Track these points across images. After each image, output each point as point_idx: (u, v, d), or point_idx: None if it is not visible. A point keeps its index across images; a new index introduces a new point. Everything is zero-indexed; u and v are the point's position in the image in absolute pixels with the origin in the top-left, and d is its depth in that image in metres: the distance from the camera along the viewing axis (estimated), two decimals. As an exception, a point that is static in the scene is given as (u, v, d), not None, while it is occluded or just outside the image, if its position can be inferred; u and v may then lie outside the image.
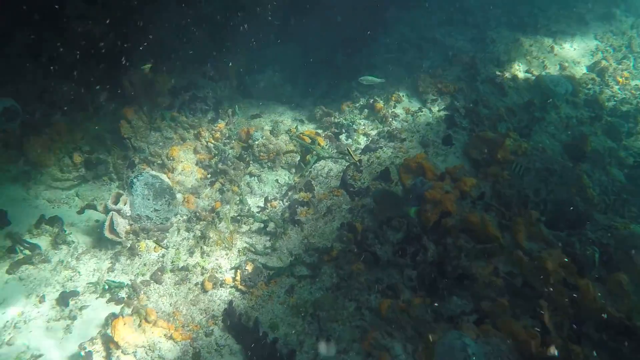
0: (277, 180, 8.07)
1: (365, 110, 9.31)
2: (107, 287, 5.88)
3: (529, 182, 7.04)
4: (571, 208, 7.05)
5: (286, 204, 7.25)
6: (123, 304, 5.75)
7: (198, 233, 6.60)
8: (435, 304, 5.85)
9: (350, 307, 5.93)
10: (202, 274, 6.10)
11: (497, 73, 9.33)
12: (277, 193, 7.74)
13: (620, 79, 10.28)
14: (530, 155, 7.25)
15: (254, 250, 6.36)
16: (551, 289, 6.11)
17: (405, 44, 10.39)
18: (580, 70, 10.53)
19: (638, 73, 10.82)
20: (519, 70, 9.68)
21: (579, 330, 6.10)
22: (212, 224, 6.65)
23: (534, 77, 9.61)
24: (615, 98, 9.97)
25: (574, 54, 10.82)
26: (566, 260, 6.14)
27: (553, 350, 5.58)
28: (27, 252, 6.42)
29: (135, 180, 6.56)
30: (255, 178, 8.11)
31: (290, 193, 7.48)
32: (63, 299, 5.81)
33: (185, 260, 6.31)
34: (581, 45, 11.05)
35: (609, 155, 9.00)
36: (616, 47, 11.19)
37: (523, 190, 6.95)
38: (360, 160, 7.66)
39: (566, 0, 11.98)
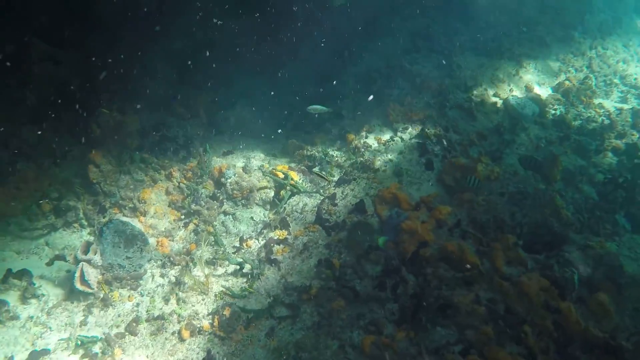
0: (252, 218, 7.95)
1: (338, 141, 9.32)
2: (79, 342, 5.63)
3: (504, 206, 7.06)
4: (546, 230, 7.08)
5: (262, 242, 7.12)
6: (97, 360, 5.51)
7: (173, 279, 6.42)
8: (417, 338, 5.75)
9: (333, 345, 5.79)
10: (179, 322, 5.90)
11: (465, 98, 9.45)
12: (252, 231, 7.61)
13: (584, 99, 10.51)
14: (503, 180, 7.29)
15: (230, 293, 6.19)
16: (534, 314, 6.07)
17: (374, 73, 10.47)
18: (545, 92, 10.74)
19: (600, 92, 11.08)
20: (487, 94, 9.82)
21: (565, 353, 6.06)
22: (187, 269, 6.48)
23: (501, 101, 9.75)
24: (581, 117, 10.17)
25: (538, 76, 11.06)
26: (546, 283, 6.12)
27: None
28: (-7, 309, 6.15)
29: (104, 228, 6.38)
30: (230, 216, 7.99)
31: (265, 231, 7.36)
32: (34, 359, 5.54)
33: (161, 309, 6.11)
34: (544, 67, 11.30)
35: (580, 173, 9.12)
36: (577, 68, 11.48)
37: (499, 215, 6.96)
38: (334, 194, 7.60)
39: (526, 23, 12.29)
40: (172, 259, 6.74)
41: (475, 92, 9.79)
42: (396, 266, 6.40)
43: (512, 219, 7.00)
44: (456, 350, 5.80)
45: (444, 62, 10.57)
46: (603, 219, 8.19)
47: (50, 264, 6.63)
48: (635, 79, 11.74)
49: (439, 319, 6.12)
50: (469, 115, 9.21)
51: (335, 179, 8.28)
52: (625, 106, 10.83)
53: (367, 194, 7.61)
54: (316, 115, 8.44)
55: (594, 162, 9.45)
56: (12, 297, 6.32)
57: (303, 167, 8.71)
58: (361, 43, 11.80)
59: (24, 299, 6.31)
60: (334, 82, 10.84)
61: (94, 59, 8.59)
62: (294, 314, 5.96)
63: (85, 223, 7.81)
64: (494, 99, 9.77)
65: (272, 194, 8.14)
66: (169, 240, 7.37)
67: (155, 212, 7.77)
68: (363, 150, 8.70)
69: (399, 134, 8.87)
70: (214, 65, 9.90)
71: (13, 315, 6.08)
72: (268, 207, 8.12)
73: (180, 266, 6.63)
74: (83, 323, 5.99)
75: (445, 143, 8.40)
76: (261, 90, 11.01)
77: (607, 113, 10.41)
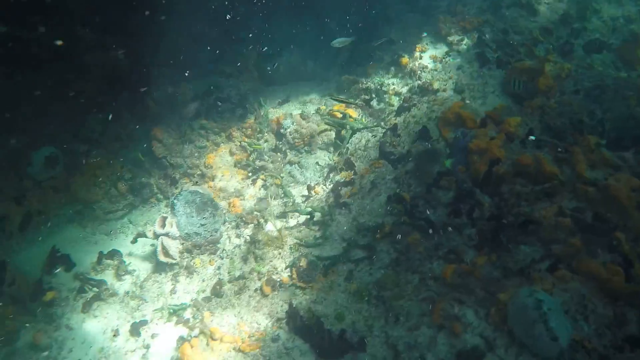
0: (317, 163, 7.90)
1: (392, 68, 8.88)
2: (172, 311, 5.98)
3: (581, 104, 6.45)
4: (634, 122, 6.44)
5: (329, 187, 7.06)
6: (190, 325, 5.83)
7: (248, 238, 6.57)
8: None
9: (414, 279, 5.73)
10: (260, 279, 6.07)
11: (525, -8, 8.57)
12: (319, 177, 7.56)
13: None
14: (576, 76, 6.62)
15: (304, 244, 6.25)
16: (627, 218, 5.62)
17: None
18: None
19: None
20: (548, -18, 8.86)
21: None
22: (259, 226, 6.59)
23: (565, -14, 8.77)
24: (664, -19, 8.95)
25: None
26: (638, 182, 5.61)
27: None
28: (95, 289, 6.63)
29: (175, 201, 6.59)
30: (296, 165, 7.97)
31: (332, 175, 7.28)
32: (135, 329, 5.97)
33: (241, 269, 6.30)
34: None
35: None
36: None
37: (575, 116, 6.38)
38: (395, 125, 7.31)
39: None
40: (244, 218, 6.88)
41: (534, -18, 8.85)
42: (469, 189, 6.12)
43: (591, 117, 6.40)
44: (542, 268, 5.54)
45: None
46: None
47: (134, 241, 7.02)
48: None
49: (522, 237, 5.84)
50: (529, 11, 8.38)
51: (395, 107, 7.96)
52: None
53: (429, 119, 7.25)
54: (340, 47, 8.01)
55: (685, 32, 8.38)
56: (108, 276, 6.79)
57: (360, 102, 8.43)
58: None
59: (118, 276, 6.76)
60: (377, 6, 10.27)
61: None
62: (370, 255, 5.92)
63: (161, 197, 8.14)
64: (558, -14, 8.79)
65: (333, 135, 8.00)
66: (240, 199, 7.51)
67: (222, 174, 7.91)
68: (419, 72, 8.24)
69: (454, 47, 8.29)
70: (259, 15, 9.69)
71: (112, 292, 6.55)
72: (332, 149, 8.00)
73: (252, 224, 6.75)
74: (172, 292, 6.35)
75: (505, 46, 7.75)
76: (305, 31, 10.66)
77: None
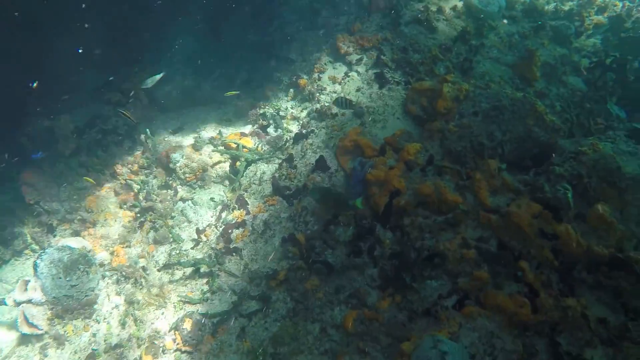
0: (212, 199, 7.26)
1: (291, 90, 8.43)
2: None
3: (480, 126, 6.23)
4: (532, 142, 6.32)
5: (221, 229, 6.44)
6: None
7: (128, 297, 5.81)
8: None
9: (315, 330, 5.24)
10: (139, 346, 5.34)
11: (421, 9, 8.38)
12: (211, 216, 6.92)
13: (555, -24, 9.36)
14: (474, 97, 6.42)
15: (189, 300, 5.59)
16: (530, 245, 5.42)
17: (317, 4, 9.38)
18: (511, -22, 9.58)
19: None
20: (444, -2, 8.74)
21: (571, 279, 5.47)
22: (138, 283, 5.86)
23: (461, 2, 8.67)
24: (555, -1, 9.10)
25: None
26: (538, 208, 5.42)
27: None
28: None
29: (38, 262, 5.73)
30: (189, 203, 7.29)
31: (224, 214, 6.66)
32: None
33: (119, 334, 5.54)
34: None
35: (562, 63, 8.19)
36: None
37: (476, 138, 6.16)
38: (290, 155, 6.82)
39: None
40: (124, 272, 6.11)
41: (430, -1, 8.71)
42: (369, 225, 5.72)
43: (491, 139, 6.20)
44: (449, 305, 5.22)
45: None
46: (594, 112, 7.37)
47: (-5, 308, 6.07)
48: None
49: (428, 272, 5.51)
50: (429, 28, 8.19)
51: (293, 134, 7.48)
52: (603, -27, 9.66)
53: (328, 146, 6.82)
54: (149, 85, 7.45)
55: (576, 48, 8.50)
56: (-38, 354, 5.81)
57: (257, 130, 7.91)
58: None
59: (-24, 353, 5.80)
60: (275, 23, 9.84)
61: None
62: (264, 306, 5.36)
63: (37, 247, 7.19)
64: (453, 2, 8.68)
65: (228, 167, 7.41)
66: (125, 247, 6.74)
67: (105, 218, 7.09)
68: (318, 94, 7.81)
69: (353, 67, 7.93)
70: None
71: (-34, 374, 5.59)
72: (227, 182, 7.40)
73: (133, 278, 6.01)
74: (41, 368, 5.49)
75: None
76: (199, 51, 10.06)
77: (584, -14, 9.29)
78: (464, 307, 5.17)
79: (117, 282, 6.15)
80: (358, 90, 7.58)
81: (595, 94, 7.79)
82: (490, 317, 5.15)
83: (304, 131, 7.31)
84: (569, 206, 5.38)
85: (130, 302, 5.66)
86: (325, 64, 8.22)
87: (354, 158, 6.31)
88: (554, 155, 6.13)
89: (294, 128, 7.70)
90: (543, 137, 6.32)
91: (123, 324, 5.60)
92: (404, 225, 5.71)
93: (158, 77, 7.04)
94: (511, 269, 5.38)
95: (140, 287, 5.80)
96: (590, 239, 5.39)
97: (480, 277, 5.27)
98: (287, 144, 7.31)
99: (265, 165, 7.15)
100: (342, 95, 7.33)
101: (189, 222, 7.05)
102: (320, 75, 8.07)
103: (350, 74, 7.85)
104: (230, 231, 6.16)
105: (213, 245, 6.22)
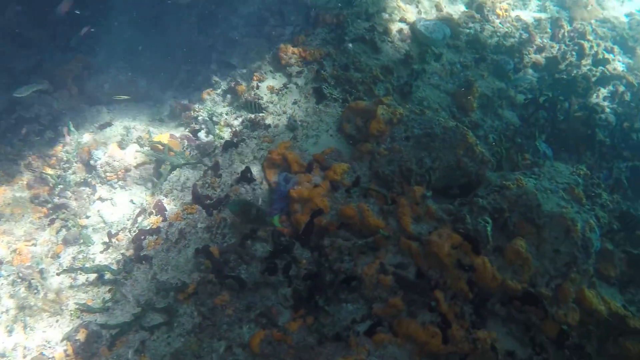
0: (132, 201, 6.91)
1: (229, 96, 8.20)
2: None
3: (411, 152, 6.21)
4: (460, 172, 6.35)
5: (134, 233, 6.11)
6: None
7: (20, 301, 5.39)
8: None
9: (220, 348, 4.99)
10: (25, 356, 4.93)
11: (367, 28, 8.38)
12: (128, 220, 6.58)
13: (500, 12, 9.60)
14: (407, 122, 6.40)
15: (87, 309, 5.23)
16: (447, 275, 5.40)
17: (266, 12, 9.23)
18: (458, 9, 9.77)
19: (517, 3, 10.18)
20: (392, 20, 8.76)
21: (484, 311, 5.49)
22: (34, 285, 5.45)
23: (408, 26, 8.73)
24: (498, 33, 9.30)
25: (450, -9, 10.02)
26: (458, 239, 5.41)
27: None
28: None
29: None
30: (109, 202, 6.92)
31: (140, 219, 6.33)
32: None
33: (3, 342, 5.10)
34: (456, -20, 10.26)
35: (499, 97, 8.37)
36: (492, -23, 10.48)
37: (405, 164, 6.12)
38: (216, 163, 6.58)
39: None
40: (21, 273, 5.67)
41: (378, 19, 8.72)
42: (287, 243, 5.55)
43: (420, 166, 6.18)
44: (361, 331, 5.11)
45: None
46: (523, 148, 7.53)
47: None
48: (554, -18, 10.88)
49: (345, 295, 5.38)
50: (373, 48, 8.19)
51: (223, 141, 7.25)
52: (544, 15, 10.00)
53: (256, 158, 6.63)
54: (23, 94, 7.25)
55: (514, 84, 8.70)
56: None
57: (188, 133, 7.63)
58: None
59: None
60: (222, 26, 9.62)
61: None
62: (169, 320, 5.07)
63: None
64: (400, 25, 8.74)
65: (153, 169, 7.09)
66: (30, 245, 6.28)
67: (11, 212, 6.61)
68: (254, 103, 7.62)
69: (293, 79, 7.80)
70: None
71: None
72: (150, 185, 7.07)
73: (29, 281, 5.58)
74: None
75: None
76: (143, 44, 9.69)
77: (525, 25, 9.57)
78: (375, 333, 5.07)
79: (13, 283, 5.70)
80: (295, 103, 7.45)
81: (527, 129, 7.99)
82: (400, 345, 5.07)
83: (235, 139, 7.10)
84: (488, 240, 5.40)
85: (21, 307, 5.24)
86: (265, 73, 8.05)
87: (281, 172, 6.15)
88: (479, 187, 6.18)
89: (226, 135, 7.47)
90: (472, 168, 6.36)
91: (10, 331, 5.17)
92: (324, 245, 5.57)
93: (35, 87, 6.77)
94: (426, 298, 5.33)
95: (35, 291, 5.39)
96: (506, 273, 5.42)
97: (394, 305, 5.19)
98: (216, 151, 7.07)
99: (191, 171, 6.87)
100: (253, 98, 7.23)
101: (105, 223, 6.67)
102: (259, 84, 7.89)
103: (289, 85, 7.72)
104: (142, 237, 5.84)
105: (123, 251, 5.88)
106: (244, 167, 6.37)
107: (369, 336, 5.08)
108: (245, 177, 6.27)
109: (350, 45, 8.08)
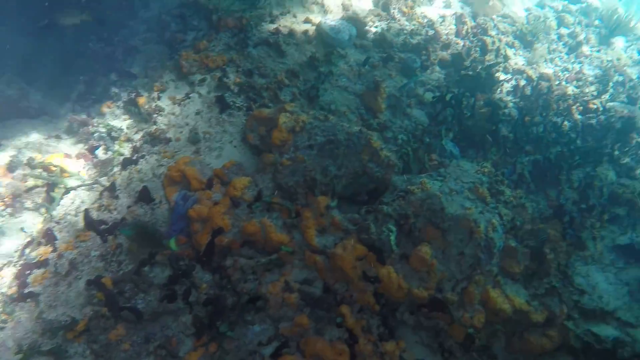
0: (22, 229, 6.36)
1: (130, 108, 7.73)
2: None
3: (315, 161, 6.05)
4: (367, 178, 6.26)
5: (19, 267, 5.61)
6: None
7: None
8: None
9: (117, 387, 4.65)
10: None
11: (272, 31, 8.13)
12: (16, 251, 6.04)
13: (406, 9, 9.61)
14: (310, 129, 6.22)
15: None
16: (353, 289, 5.31)
17: (167, 16, 8.76)
18: (366, 6, 9.69)
19: (423, -1, 10.25)
20: (297, 22, 8.56)
21: (393, 321, 5.44)
22: None
23: (314, 27, 8.56)
24: (404, 31, 9.29)
25: (357, -11, 9.92)
26: (363, 250, 5.32)
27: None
28: None
29: None
30: (-4, 231, 6.34)
31: (28, 250, 5.83)
32: None
33: None
34: (363, -23, 10.17)
35: (407, 96, 8.36)
36: (398, -26, 10.47)
37: (309, 173, 5.95)
38: (113, 183, 6.17)
39: None
40: None
41: (283, 21, 8.49)
42: (187, 266, 5.26)
43: (324, 175, 6.03)
44: (267, 354, 4.92)
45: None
46: (432, 147, 7.55)
47: None
48: (458, -22, 11.02)
49: (251, 316, 5.18)
50: (277, 52, 7.96)
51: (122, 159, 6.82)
52: (449, 11, 10.11)
53: (155, 175, 6.27)
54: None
55: (421, 81, 8.73)
56: None
57: (85, 151, 7.13)
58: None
59: None
60: (122, 32, 9.08)
61: None
62: (59, 361, 4.68)
63: None
64: (306, 27, 8.55)
65: (46, 192, 6.55)
66: None
67: None
68: (155, 115, 7.23)
69: (196, 88, 7.45)
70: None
71: None
72: (43, 210, 6.54)
73: None
74: None
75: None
76: (36, 55, 8.98)
77: (431, 22, 9.63)
78: (281, 355, 4.90)
79: None
80: (198, 113, 7.12)
81: (435, 128, 8.03)
82: (308, 365, 4.94)
83: (134, 156, 6.69)
84: (392, 249, 5.33)
85: None
86: (166, 82, 7.66)
87: (181, 190, 5.83)
88: (385, 193, 6.12)
89: (127, 151, 7.04)
90: (378, 173, 6.29)
91: None
92: (227, 266, 5.34)
93: None
94: (333, 314, 5.22)
95: None
96: (412, 281, 5.40)
97: (301, 323, 5.04)
98: (115, 170, 6.63)
99: (87, 193, 6.41)
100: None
101: (-9, 255, 6.11)
102: (161, 94, 7.49)
103: (191, 95, 7.36)
104: (28, 272, 5.36)
105: (4, 290, 5.37)
106: (142, 186, 6.00)
107: (275, 359, 4.91)
108: (144, 197, 5.92)
109: (253, 50, 7.80)
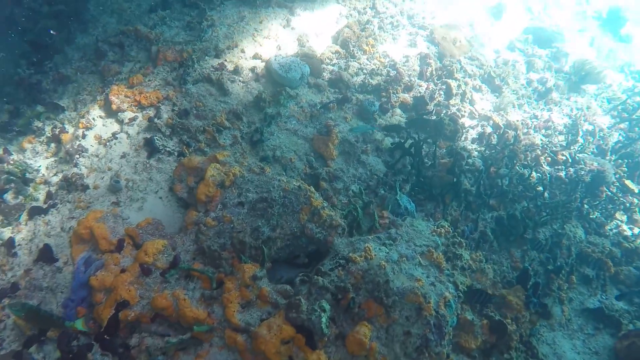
0: None
1: (53, 144, 7.04)
2: None
3: (245, 220, 5.42)
4: (306, 240, 5.67)
5: None
6: None
7: None
8: None
9: None
10: None
11: (216, 67, 7.58)
12: None
13: (367, 47, 9.18)
14: (242, 184, 5.62)
15: None
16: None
17: (104, 44, 8.14)
18: (324, 43, 9.23)
19: (387, 37, 9.83)
20: (245, 57, 8.03)
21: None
22: None
23: (263, 64, 8.03)
24: (364, 70, 8.84)
25: (316, 25, 9.46)
26: (290, 332, 4.68)
27: None
28: None
29: None
30: None
31: None
32: None
33: None
34: (323, 12, 9.74)
35: (363, 141, 7.85)
36: (360, 10, 10.09)
37: (238, 235, 5.32)
38: (10, 239, 5.45)
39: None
40: None
41: (230, 56, 7.95)
42: (84, 345, 4.55)
43: (255, 237, 5.41)
44: None
45: (197, 18, 8.54)
46: (386, 201, 7.02)
47: None
48: (424, 18, 10.69)
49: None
50: (220, 90, 7.39)
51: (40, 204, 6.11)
52: (414, 51, 9.72)
53: (64, 229, 5.57)
54: None
55: (380, 125, 8.24)
56: None
57: (-8, 195, 6.39)
58: (97, 0, 9.35)
59: None
60: (55, 58, 8.42)
61: None
62: None
63: None
64: (254, 63, 8.02)
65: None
66: None
67: None
68: (77, 156, 6.55)
69: (125, 127, 6.81)
70: None
71: None
72: None
73: None
74: None
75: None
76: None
77: (393, 62, 9.20)
78: None
79: None
80: (123, 157, 6.47)
81: (392, 178, 7.52)
82: None
83: (46, 204, 5.99)
84: (322, 332, 4.70)
85: None
86: (94, 118, 7.00)
87: (87, 252, 5.14)
88: (324, 260, 5.52)
89: (42, 195, 6.32)
90: (319, 234, 5.69)
91: None
92: (131, 345, 4.64)
93: None
94: (253, 407, 4.55)
95: None
96: (347, 368, 4.77)
97: (213, 419, 4.35)
98: (21, 219, 5.91)
99: (-16, 248, 5.67)
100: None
101: None
102: (86, 132, 6.83)
103: (118, 135, 6.72)
104: None
105: None
106: (50, 240, 5.30)
107: None
108: (45, 256, 5.21)
109: (192, 87, 7.22)
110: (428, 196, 7.53)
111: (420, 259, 5.75)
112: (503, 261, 7.40)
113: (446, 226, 6.43)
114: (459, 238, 6.46)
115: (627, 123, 10.19)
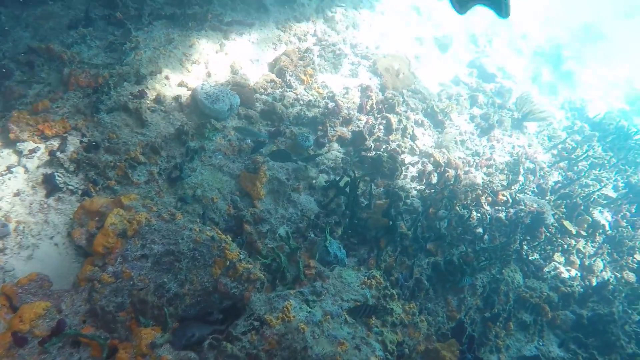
0: None
1: (-61, 178, 6.19)
2: None
3: (148, 276, 4.79)
4: (220, 297, 5.07)
5: None
6: None
7: None
8: None
9: None
10: None
11: (134, 94, 6.93)
12: None
13: (305, 77, 8.73)
14: (146, 234, 5.00)
15: None
16: None
17: (11, 62, 7.36)
18: (261, 71, 8.73)
19: (328, 66, 9.43)
20: (169, 85, 7.42)
21: None
22: None
23: (189, 92, 7.44)
24: (300, 102, 8.38)
25: (253, 51, 8.96)
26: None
27: None
28: None
29: None
30: None
31: None
32: None
33: None
34: (260, 37, 9.25)
35: (295, 178, 7.35)
36: (301, 37, 9.66)
37: (138, 293, 4.68)
38: None
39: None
40: None
41: (152, 82, 7.32)
42: None
43: (159, 295, 4.78)
44: None
45: (120, 38, 7.87)
46: (315, 246, 6.53)
47: None
48: (367, 47, 10.38)
49: None
50: (138, 120, 6.75)
51: None
52: (355, 82, 9.36)
53: None
54: None
55: (316, 162, 7.77)
56: None
57: None
58: (14, 11, 8.52)
59: None
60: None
61: None
62: None
63: None
64: (179, 91, 7.43)
65: None
66: None
67: None
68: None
69: (23, 160, 6.06)
70: None
71: None
72: None
73: None
74: None
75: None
76: None
77: (332, 94, 8.79)
78: None
79: None
80: (17, 194, 5.72)
81: (324, 220, 7.03)
82: None
83: None
84: (226, 415, 4.11)
85: None
86: (-12, 149, 6.21)
87: (-47, 313, 4.38)
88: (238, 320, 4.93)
89: None
90: (235, 290, 5.11)
91: None
92: None
93: None
94: None
95: None
96: None
97: None
98: None
99: None
100: None
101: None
102: (-22, 163, 6.04)
103: (15, 169, 5.96)
104: None
105: None
106: None
107: None
108: None
109: (106, 116, 6.55)
110: (362, 240, 7.09)
111: (347, 316, 5.27)
112: (439, 310, 7.02)
113: (377, 276, 5.99)
114: (391, 290, 6.01)
115: (566, 162, 10.12)
